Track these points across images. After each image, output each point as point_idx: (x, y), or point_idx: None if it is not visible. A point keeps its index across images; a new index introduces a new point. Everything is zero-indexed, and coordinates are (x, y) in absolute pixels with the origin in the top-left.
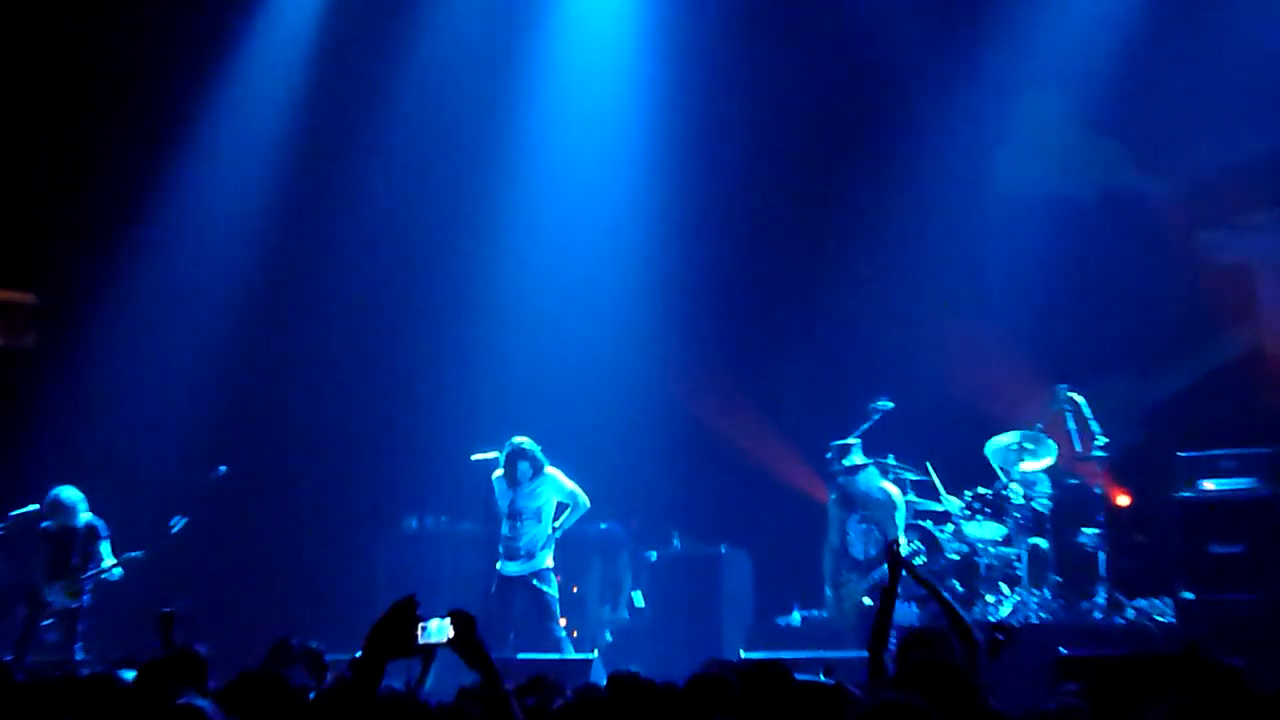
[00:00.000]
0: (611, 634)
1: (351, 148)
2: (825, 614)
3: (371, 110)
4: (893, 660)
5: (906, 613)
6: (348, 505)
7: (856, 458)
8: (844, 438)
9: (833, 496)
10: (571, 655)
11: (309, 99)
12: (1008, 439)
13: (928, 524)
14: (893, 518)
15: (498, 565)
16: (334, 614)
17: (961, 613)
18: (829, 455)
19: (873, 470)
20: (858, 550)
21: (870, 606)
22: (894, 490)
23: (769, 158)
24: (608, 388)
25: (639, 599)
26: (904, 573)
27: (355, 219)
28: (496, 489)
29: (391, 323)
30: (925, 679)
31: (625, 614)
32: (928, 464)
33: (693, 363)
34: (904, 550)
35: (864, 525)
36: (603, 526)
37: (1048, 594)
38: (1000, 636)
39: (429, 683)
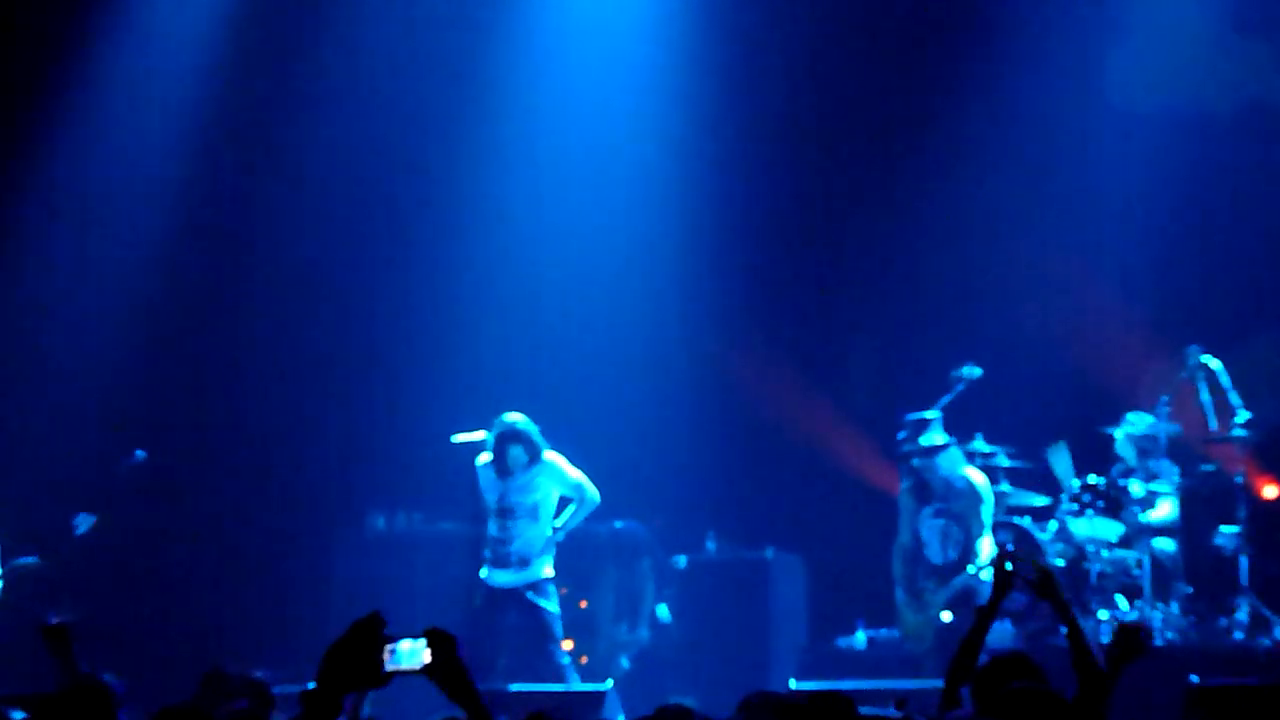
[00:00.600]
0: (629, 659)
1: (295, 95)
2: (896, 633)
3: (319, 52)
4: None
5: (999, 631)
6: (298, 500)
7: (936, 436)
8: (922, 411)
9: (905, 485)
10: (579, 686)
11: (242, 49)
12: (1133, 418)
13: (1024, 521)
14: (977, 512)
15: (484, 574)
16: (281, 636)
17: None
18: (902, 434)
19: (955, 452)
20: (934, 552)
21: (950, 624)
22: (979, 478)
23: (821, 66)
24: (622, 354)
25: (664, 614)
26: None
27: (312, 163)
28: (483, 480)
29: (354, 281)
30: (1023, 713)
31: (645, 634)
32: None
33: (731, 322)
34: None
35: (941, 521)
36: (617, 526)
37: (1175, 609)
38: (1134, 636)
39: (366, 711)
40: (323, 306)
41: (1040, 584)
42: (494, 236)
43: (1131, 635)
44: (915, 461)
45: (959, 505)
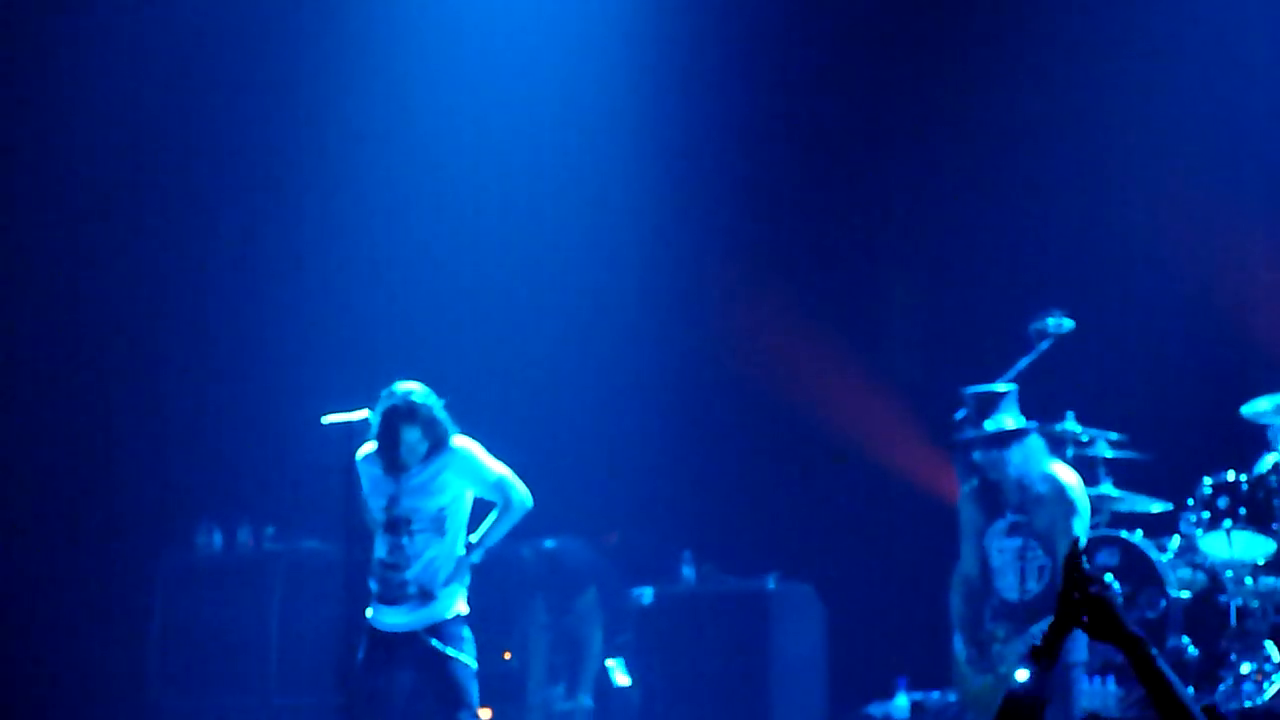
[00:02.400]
0: None
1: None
2: (952, 696)
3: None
4: None
5: (1094, 692)
6: (106, 510)
7: (1007, 418)
8: (989, 384)
9: (966, 489)
10: None
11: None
12: None
13: (1134, 536)
14: (1069, 525)
15: (369, 613)
16: (72, 699)
17: (1190, 707)
18: (960, 415)
19: (1036, 441)
20: (1008, 585)
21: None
22: (1070, 478)
23: None
24: (562, 307)
25: (619, 672)
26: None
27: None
28: (364, 476)
29: (186, 227)
30: None
31: (589, 701)
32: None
33: (724, 267)
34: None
35: (1017, 540)
36: (549, 545)
37: None
38: None
39: None
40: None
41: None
42: (377, 154)
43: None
44: (977, 455)
45: (1041, 517)
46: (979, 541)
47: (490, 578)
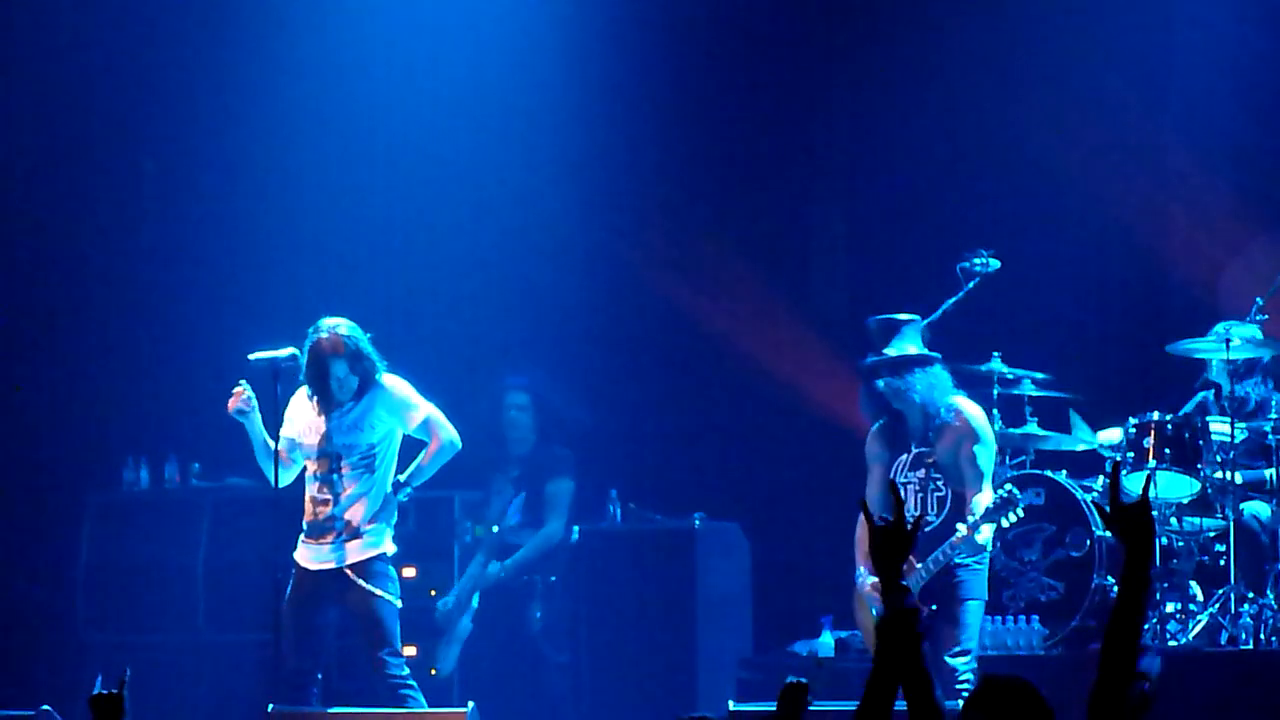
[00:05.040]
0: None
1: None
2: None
3: None
4: None
5: (1021, 631)
6: (32, 448)
7: (910, 344)
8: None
9: (875, 426)
10: (426, 709)
11: None
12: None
13: (1059, 475)
14: (973, 458)
15: (296, 549)
16: (6, 635)
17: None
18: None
19: (939, 372)
20: (909, 515)
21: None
22: (974, 410)
23: None
24: (489, 245)
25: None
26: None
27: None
28: (296, 414)
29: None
30: None
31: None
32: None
33: (649, 209)
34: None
35: (919, 472)
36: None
37: (1273, 598)
38: (1145, 687)
39: None
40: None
41: (1131, 513)
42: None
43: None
44: (880, 383)
45: (945, 448)
46: (885, 475)
47: (421, 515)
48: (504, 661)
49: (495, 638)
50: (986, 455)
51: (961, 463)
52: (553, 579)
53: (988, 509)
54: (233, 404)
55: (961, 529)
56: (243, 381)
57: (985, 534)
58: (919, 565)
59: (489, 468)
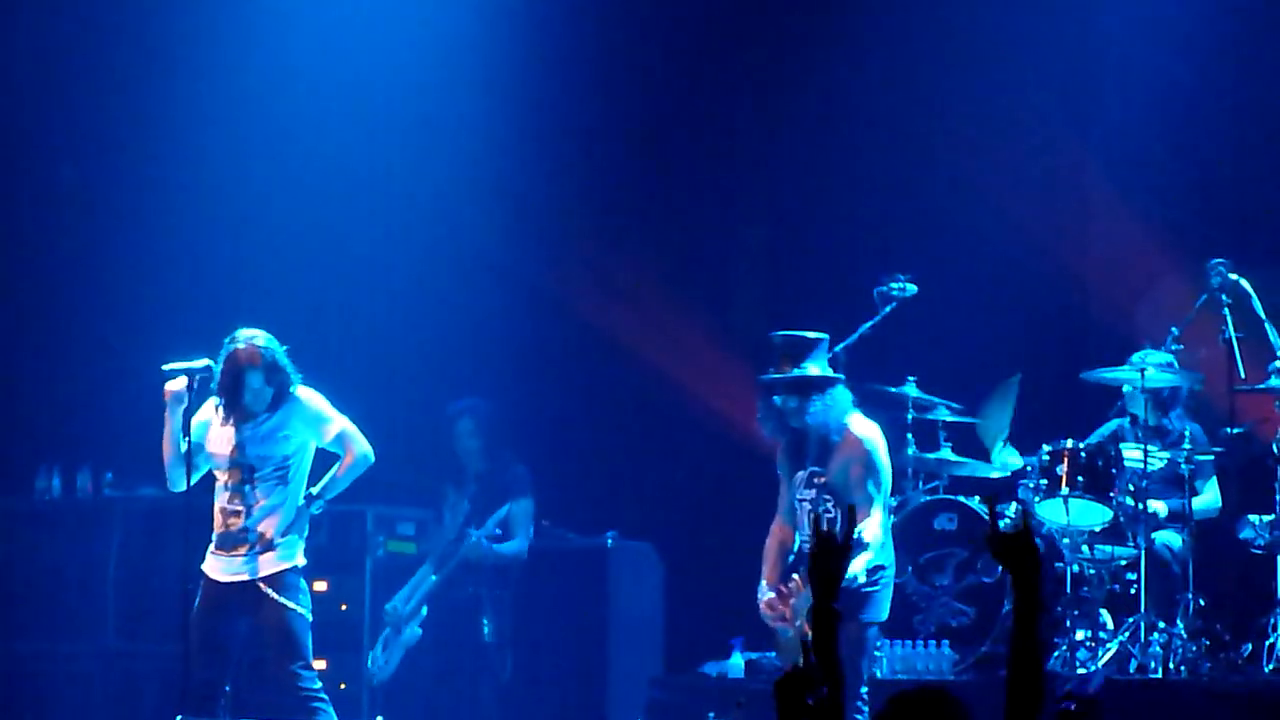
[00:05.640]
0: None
1: None
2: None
3: None
4: None
5: (930, 655)
6: None
7: (813, 364)
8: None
9: (782, 441)
10: None
11: None
12: (1143, 358)
13: (972, 501)
14: (863, 481)
15: (206, 560)
16: None
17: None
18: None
19: (840, 394)
20: (804, 534)
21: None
22: (869, 430)
23: None
24: (406, 260)
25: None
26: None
27: None
28: (209, 424)
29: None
30: None
31: (415, 636)
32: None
33: (568, 227)
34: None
35: (812, 490)
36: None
37: (1182, 628)
38: (1070, 707)
39: None
40: None
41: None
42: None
43: (1082, 704)
44: (776, 399)
45: (836, 469)
46: (790, 494)
47: (329, 527)
48: (444, 672)
49: (442, 647)
50: (875, 480)
51: (851, 484)
52: (498, 593)
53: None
54: (172, 386)
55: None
56: (178, 370)
57: (854, 568)
58: (806, 585)
59: (445, 482)
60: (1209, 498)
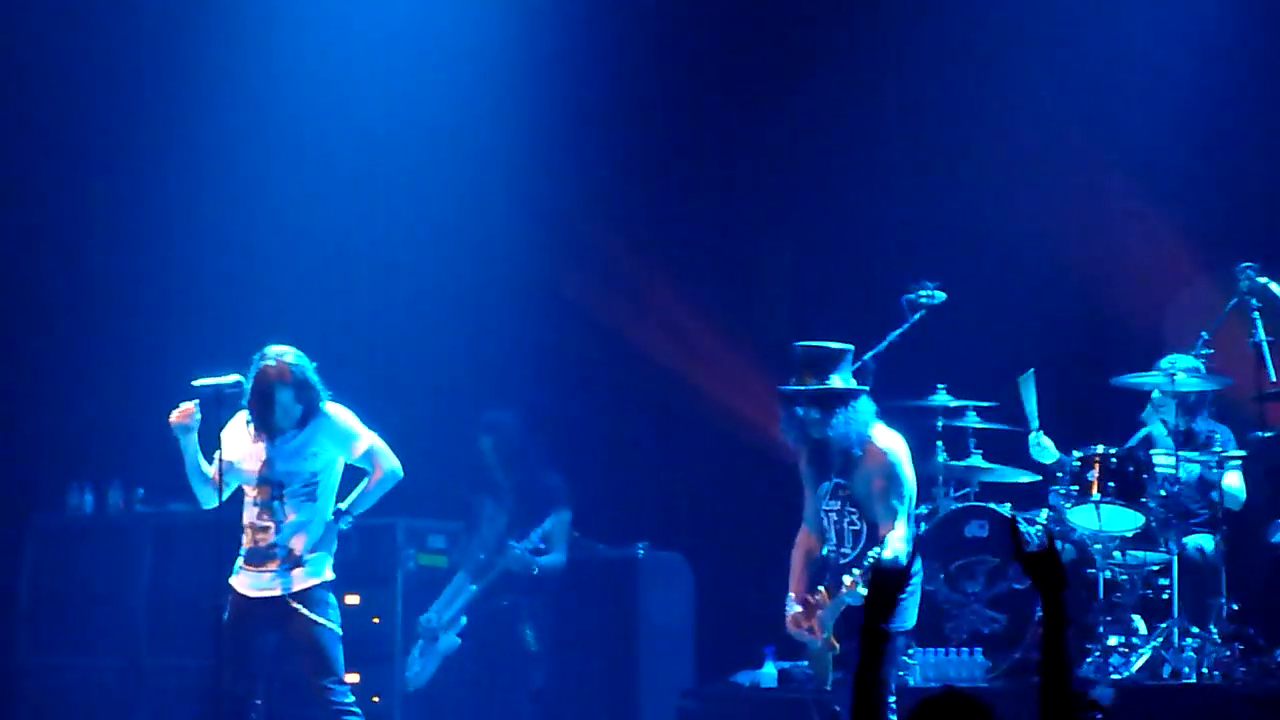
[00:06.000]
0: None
1: None
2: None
3: None
4: None
5: (962, 663)
6: None
7: (837, 377)
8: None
9: (805, 450)
10: None
11: None
12: (1171, 362)
13: (1002, 508)
14: (885, 493)
15: (235, 576)
16: None
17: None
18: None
19: (860, 407)
20: (830, 546)
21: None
22: (892, 442)
23: None
24: (426, 273)
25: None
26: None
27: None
28: (237, 440)
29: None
30: None
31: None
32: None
33: (594, 235)
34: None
35: (837, 503)
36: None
37: (1215, 633)
38: (1098, 717)
39: None
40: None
41: (1037, 560)
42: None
43: (1082, 706)
44: (798, 410)
45: (859, 481)
46: (816, 505)
47: (362, 543)
48: (483, 682)
49: (482, 657)
50: (898, 490)
51: (874, 497)
52: (537, 602)
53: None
54: (177, 417)
55: (847, 580)
56: (196, 401)
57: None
58: (832, 597)
59: (480, 493)
60: (1234, 483)
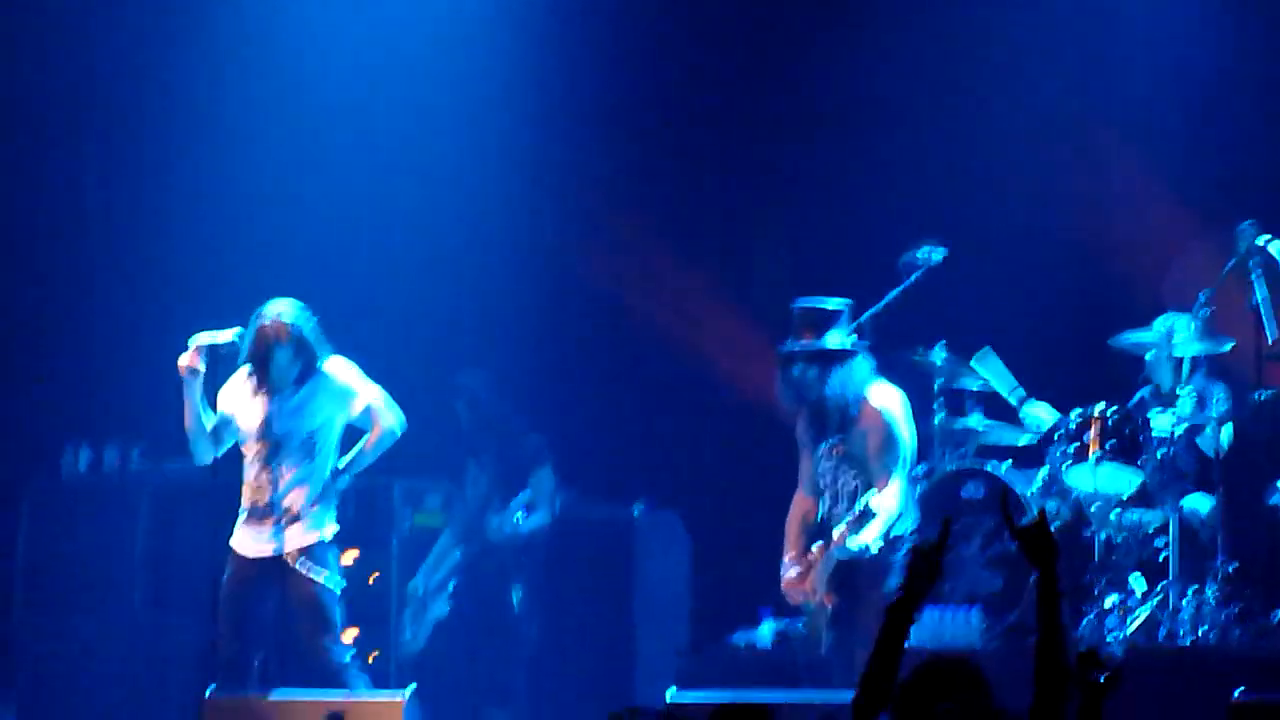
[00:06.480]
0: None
1: None
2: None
3: None
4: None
5: (960, 625)
6: None
7: (834, 334)
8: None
9: (803, 412)
10: (367, 693)
11: None
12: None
13: (1000, 468)
14: (880, 451)
15: (235, 535)
16: None
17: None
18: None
19: (857, 365)
20: (824, 506)
21: (839, 612)
22: (890, 399)
23: None
24: (427, 231)
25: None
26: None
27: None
28: (235, 397)
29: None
30: None
31: (443, 611)
32: (984, 354)
33: (591, 194)
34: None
35: (831, 464)
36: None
37: (1213, 593)
38: (1099, 678)
39: None
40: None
41: (1028, 534)
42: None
43: (1088, 661)
44: (795, 371)
45: (855, 441)
46: (812, 463)
47: (361, 498)
48: (475, 642)
49: (472, 618)
50: (894, 451)
51: (869, 455)
52: (524, 562)
53: (870, 513)
54: (184, 362)
55: (836, 533)
56: (203, 347)
57: (866, 538)
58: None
59: (463, 454)
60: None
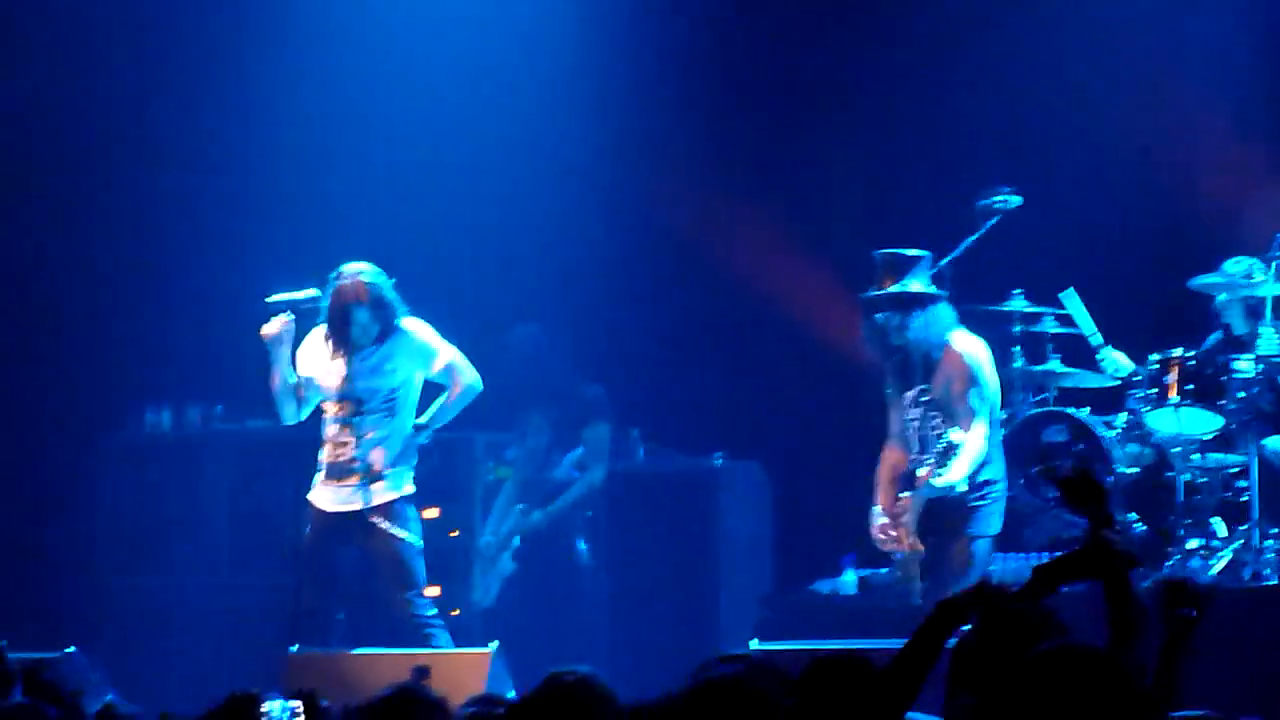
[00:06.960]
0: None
1: None
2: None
3: None
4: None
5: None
6: (53, 391)
7: (915, 281)
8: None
9: (890, 361)
10: (451, 648)
11: None
12: (1238, 267)
13: (1081, 412)
14: (965, 396)
15: (315, 492)
16: (21, 584)
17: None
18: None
19: (939, 312)
20: (913, 453)
21: (928, 557)
22: (971, 346)
23: None
24: (505, 187)
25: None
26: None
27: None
28: (309, 353)
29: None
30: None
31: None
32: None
33: (669, 150)
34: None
35: (919, 409)
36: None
37: None
38: (1190, 613)
39: None
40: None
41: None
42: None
43: (1176, 594)
44: (879, 318)
45: (938, 387)
46: (899, 413)
47: (441, 455)
48: (544, 597)
49: (539, 573)
50: (978, 394)
51: (953, 399)
52: (589, 514)
53: (954, 449)
54: (270, 329)
55: (921, 473)
56: (289, 313)
57: (952, 476)
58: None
59: (523, 408)
60: None
